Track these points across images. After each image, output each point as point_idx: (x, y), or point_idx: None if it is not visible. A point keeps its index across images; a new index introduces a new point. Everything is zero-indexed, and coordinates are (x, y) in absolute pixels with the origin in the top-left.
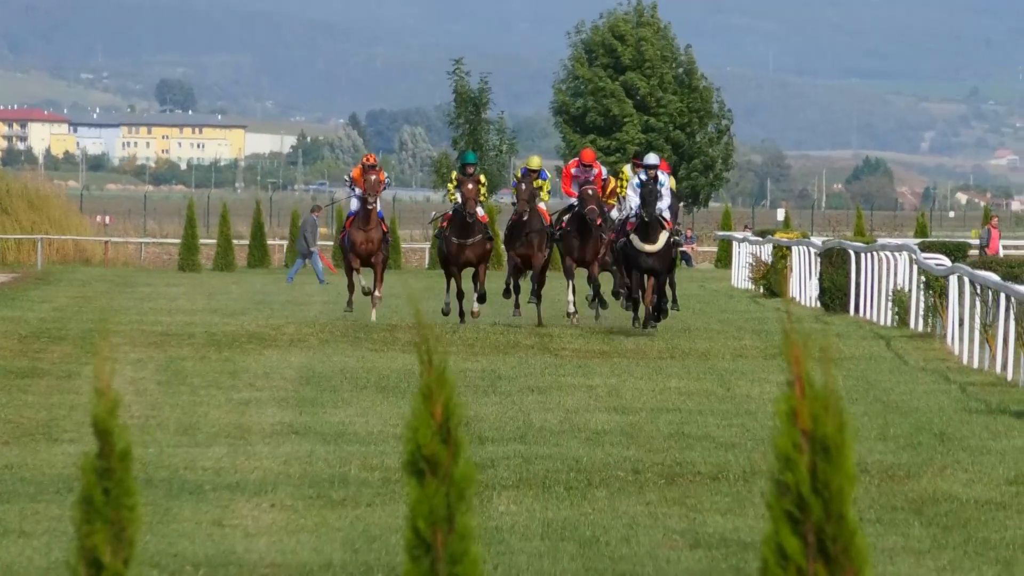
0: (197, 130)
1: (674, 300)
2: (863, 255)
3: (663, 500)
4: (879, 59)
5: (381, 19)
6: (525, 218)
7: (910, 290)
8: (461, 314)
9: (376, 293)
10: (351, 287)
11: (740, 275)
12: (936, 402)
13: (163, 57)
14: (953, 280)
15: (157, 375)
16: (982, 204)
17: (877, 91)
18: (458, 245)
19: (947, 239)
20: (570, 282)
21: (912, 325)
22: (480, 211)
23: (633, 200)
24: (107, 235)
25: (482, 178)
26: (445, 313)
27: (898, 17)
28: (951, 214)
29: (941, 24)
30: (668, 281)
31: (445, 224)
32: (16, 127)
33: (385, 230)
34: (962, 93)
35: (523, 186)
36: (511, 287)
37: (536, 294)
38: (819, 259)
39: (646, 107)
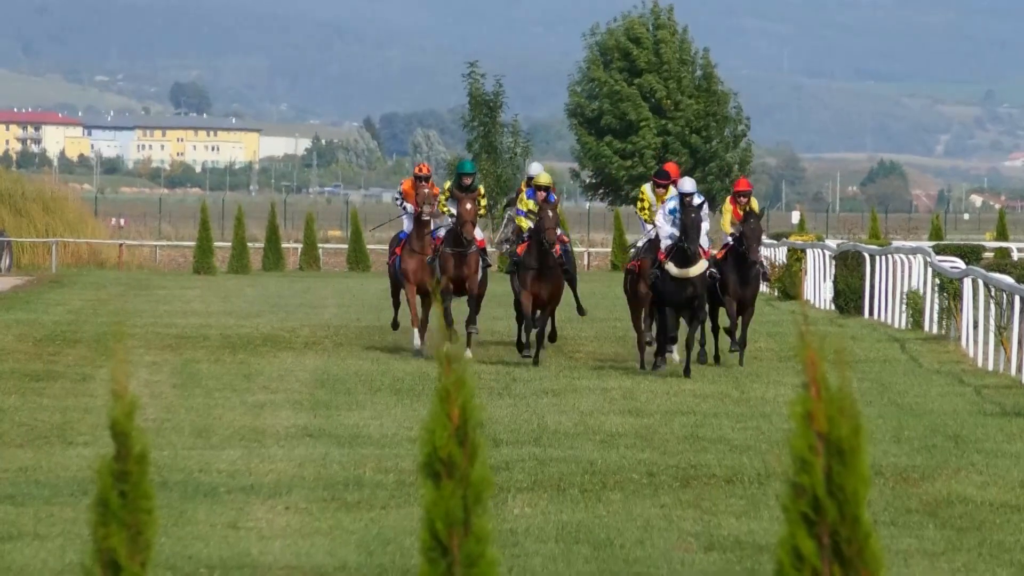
0: (211, 133)
1: (741, 340)
2: (878, 258)
3: (678, 503)
4: (893, 61)
5: (395, 22)
6: (552, 249)
7: (925, 293)
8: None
9: (417, 336)
10: (397, 306)
11: None
12: (950, 405)
13: (177, 60)
14: (968, 283)
15: (172, 378)
16: (997, 207)
17: (891, 94)
18: (455, 255)
19: (962, 242)
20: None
21: (927, 328)
22: (479, 234)
23: (665, 229)
24: (122, 238)
25: (481, 189)
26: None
27: (912, 19)
28: (966, 217)
29: (955, 26)
30: (743, 321)
31: (439, 243)
32: (30, 130)
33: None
34: (977, 96)
35: (549, 213)
36: (525, 334)
37: (551, 335)
38: (834, 262)
39: (662, 111)
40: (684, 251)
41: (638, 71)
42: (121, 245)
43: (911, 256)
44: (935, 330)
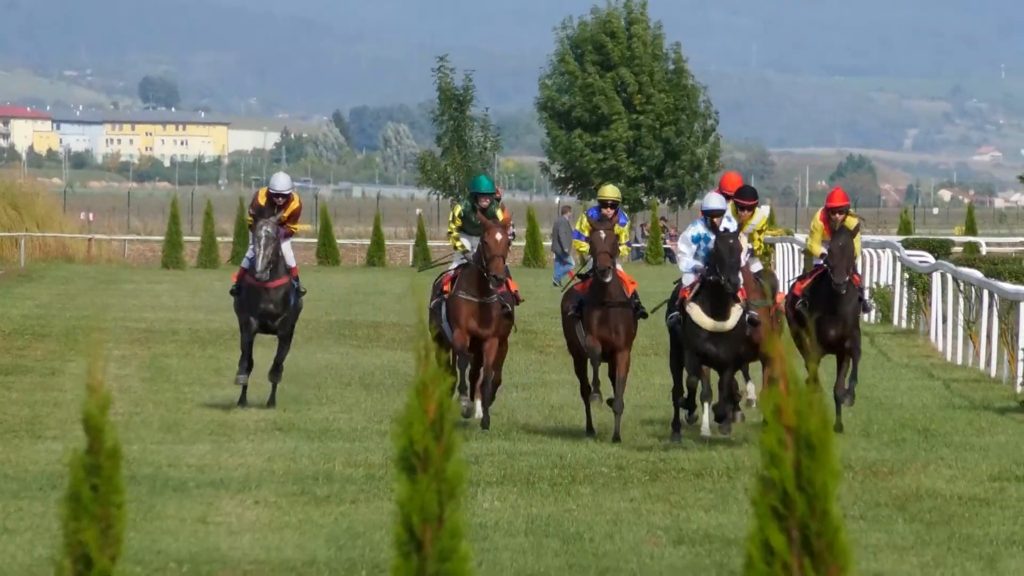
0: (180, 127)
1: (849, 391)
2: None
3: (647, 496)
4: (862, 57)
5: (364, 16)
6: (607, 279)
7: (893, 287)
8: (484, 409)
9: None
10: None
11: None
12: (919, 399)
13: (146, 55)
14: (936, 277)
15: (141, 372)
16: (966, 201)
17: (860, 89)
18: (478, 305)
19: (930, 236)
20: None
21: (895, 322)
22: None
23: (685, 261)
24: (91, 232)
25: (500, 215)
26: (466, 415)
27: (880, 15)
28: (935, 211)
29: (923, 22)
30: (851, 366)
31: (447, 287)
32: None
33: (515, 290)
34: (945, 91)
35: (601, 234)
36: (592, 384)
37: (618, 400)
38: (803, 256)
39: (632, 104)
40: (716, 294)
41: (611, 65)
42: (90, 239)
43: (880, 250)
44: (904, 324)
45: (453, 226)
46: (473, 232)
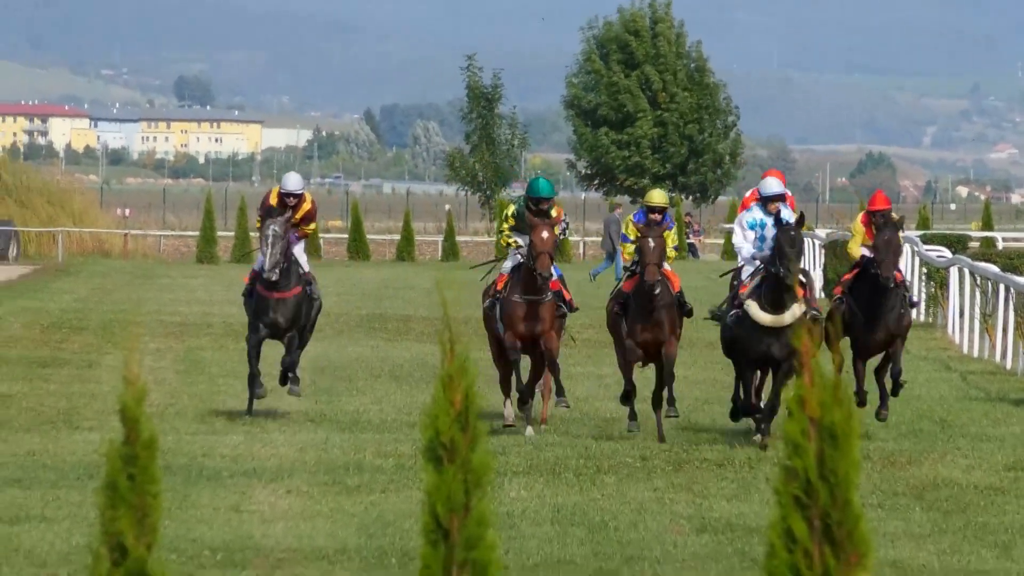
0: (215, 125)
1: (895, 387)
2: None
3: (670, 486)
4: (882, 56)
5: (394, 15)
6: (656, 292)
7: (912, 281)
8: (529, 419)
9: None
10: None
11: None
12: (937, 390)
13: (181, 54)
14: (954, 271)
15: (176, 364)
16: (982, 198)
17: (880, 87)
18: (526, 305)
19: (948, 231)
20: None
21: (914, 315)
22: (555, 271)
23: (744, 250)
24: (127, 228)
25: (554, 214)
26: (509, 424)
27: (899, 14)
28: (952, 207)
29: (942, 21)
30: (893, 367)
31: (500, 287)
32: (37, 122)
33: (568, 299)
34: (963, 89)
35: (650, 242)
36: (631, 388)
37: (670, 400)
38: (823, 251)
39: (657, 102)
40: (776, 288)
41: (636, 63)
42: (126, 235)
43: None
44: (922, 318)
45: (505, 225)
46: (525, 231)
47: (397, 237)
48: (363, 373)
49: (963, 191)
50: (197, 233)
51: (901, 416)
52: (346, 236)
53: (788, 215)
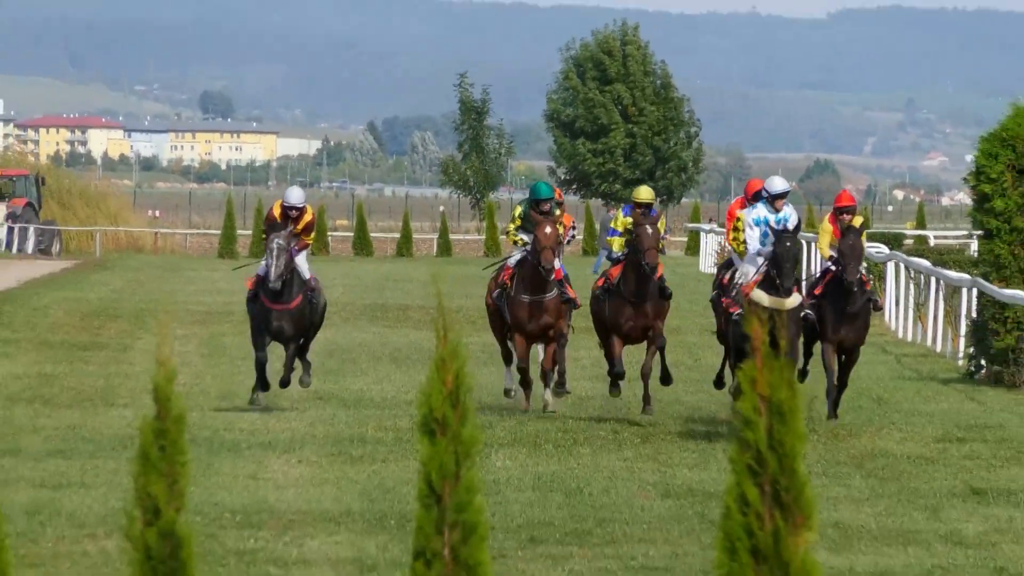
0: (235, 135)
1: (833, 405)
2: (812, 244)
3: (638, 456)
4: (828, 74)
5: (395, 36)
6: (655, 275)
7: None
8: (526, 388)
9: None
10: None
11: (707, 262)
12: (874, 371)
13: (205, 71)
14: (891, 265)
15: (200, 348)
16: (916, 200)
17: (826, 102)
18: (530, 304)
19: (886, 230)
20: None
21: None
22: (557, 264)
23: (752, 244)
24: (157, 227)
25: (566, 220)
26: (509, 394)
27: (845, 36)
28: (889, 208)
29: (882, 42)
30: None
31: (507, 279)
32: (77, 133)
33: (573, 296)
34: (899, 103)
35: (648, 229)
36: (618, 371)
37: (665, 378)
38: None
39: (628, 116)
40: (775, 286)
41: (608, 80)
42: (156, 233)
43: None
44: None
45: (512, 226)
46: (532, 231)
47: (397, 235)
48: (366, 356)
49: (899, 194)
50: (219, 231)
51: (843, 394)
52: (351, 234)
53: (789, 214)
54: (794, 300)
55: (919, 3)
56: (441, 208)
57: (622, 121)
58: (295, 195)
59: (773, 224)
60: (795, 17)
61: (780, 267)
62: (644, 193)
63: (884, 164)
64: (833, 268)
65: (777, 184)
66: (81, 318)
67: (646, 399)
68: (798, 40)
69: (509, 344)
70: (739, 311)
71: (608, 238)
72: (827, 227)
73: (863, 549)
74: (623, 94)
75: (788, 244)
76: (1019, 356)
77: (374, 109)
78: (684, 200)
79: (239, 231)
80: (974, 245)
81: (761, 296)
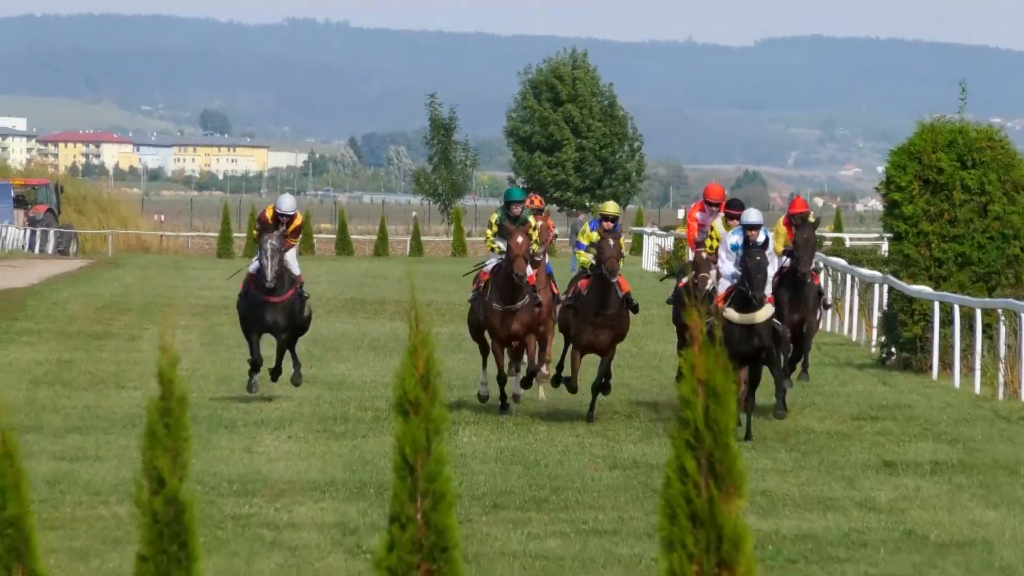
0: (231, 149)
1: (804, 369)
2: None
3: (589, 433)
4: (757, 95)
5: (372, 62)
6: (614, 280)
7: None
8: (504, 399)
9: (543, 370)
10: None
11: (649, 261)
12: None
13: (205, 93)
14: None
15: (201, 337)
16: (834, 206)
17: (755, 119)
18: (502, 313)
19: None
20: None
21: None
22: (530, 270)
23: (726, 267)
24: (162, 230)
25: (532, 221)
26: (483, 399)
27: (771, 62)
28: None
29: (803, 67)
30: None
31: (482, 285)
32: (92, 147)
33: (556, 292)
34: (819, 121)
35: (610, 241)
36: (572, 387)
37: (604, 387)
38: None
39: (578, 132)
40: (747, 297)
41: (561, 101)
42: (161, 236)
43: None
44: None
45: (490, 232)
46: (507, 237)
47: (375, 237)
48: (347, 344)
49: (819, 201)
50: (217, 234)
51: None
52: (334, 236)
53: (762, 236)
54: (765, 312)
55: (836, 33)
56: (414, 213)
57: (573, 137)
58: (287, 203)
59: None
60: (726, 45)
61: (752, 279)
62: (610, 207)
63: (805, 175)
64: (787, 262)
65: (752, 216)
66: (95, 311)
67: (590, 413)
68: (729, 65)
69: (485, 344)
70: (711, 319)
71: (576, 250)
72: (781, 229)
73: (787, 515)
74: (574, 113)
75: (758, 258)
76: (925, 344)
77: (354, 126)
78: (629, 207)
79: (235, 234)
80: (885, 246)
81: (732, 314)
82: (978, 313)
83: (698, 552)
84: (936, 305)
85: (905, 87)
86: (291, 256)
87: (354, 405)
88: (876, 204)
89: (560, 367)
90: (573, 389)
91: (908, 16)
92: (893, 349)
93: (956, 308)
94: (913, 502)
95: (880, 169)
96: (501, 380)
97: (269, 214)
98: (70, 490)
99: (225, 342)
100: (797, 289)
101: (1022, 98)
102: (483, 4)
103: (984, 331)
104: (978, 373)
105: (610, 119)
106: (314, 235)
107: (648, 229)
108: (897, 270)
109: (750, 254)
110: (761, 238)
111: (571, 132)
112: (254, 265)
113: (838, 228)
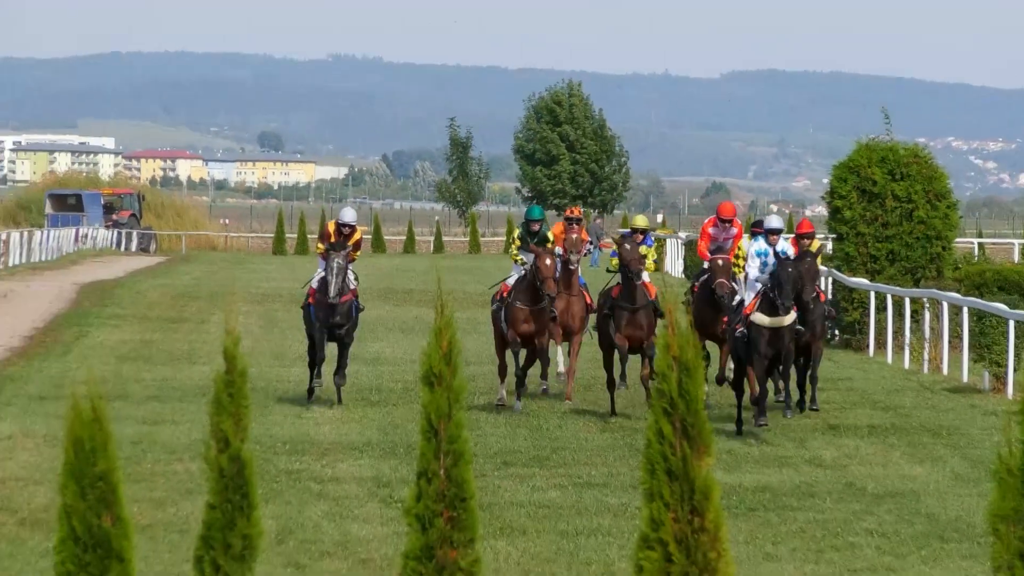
0: (284, 164)
1: (813, 398)
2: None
3: (584, 402)
4: (721, 118)
5: (402, 91)
6: (639, 281)
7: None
8: (514, 398)
9: (561, 368)
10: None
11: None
12: None
13: (263, 117)
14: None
15: (258, 321)
16: (787, 212)
17: (721, 139)
18: (529, 312)
19: None
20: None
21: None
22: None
23: (752, 272)
24: (226, 231)
25: (550, 236)
26: (499, 407)
27: (734, 91)
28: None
29: (761, 95)
30: (812, 375)
31: (505, 294)
32: (168, 162)
33: (589, 302)
34: (774, 141)
35: (628, 246)
36: (621, 375)
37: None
38: (683, 247)
39: (573, 148)
40: (774, 302)
41: (559, 123)
42: (226, 236)
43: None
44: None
45: (514, 247)
46: (528, 249)
47: (403, 237)
48: (381, 327)
49: (775, 207)
50: (272, 235)
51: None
52: (370, 236)
53: (785, 248)
54: (790, 317)
55: (788, 67)
56: (436, 218)
57: (568, 153)
58: (349, 215)
59: (772, 255)
60: (697, 76)
61: (781, 288)
62: (639, 220)
63: (763, 185)
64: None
65: (774, 221)
66: (171, 299)
67: (649, 401)
68: (699, 93)
69: (505, 352)
70: (741, 329)
71: (610, 258)
72: (791, 250)
73: (748, 470)
74: (569, 133)
75: (790, 269)
76: (863, 327)
77: (386, 144)
78: (616, 211)
79: (287, 234)
80: (829, 245)
81: (761, 318)
82: (907, 301)
83: (674, 502)
84: (872, 295)
85: (845, 112)
86: (349, 271)
87: (387, 378)
88: (822, 210)
89: (611, 381)
90: (615, 384)
91: (847, 53)
92: (836, 332)
93: (889, 297)
94: (853, 459)
95: (825, 181)
96: (517, 384)
97: (332, 227)
98: (150, 449)
99: (279, 325)
100: (802, 314)
101: (942, 121)
102: (495, 42)
103: (912, 316)
104: (907, 351)
105: (600, 138)
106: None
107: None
108: (840, 265)
109: (782, 264)
110: (782, 244)
111: (567, 149)
112: (317, 279)
113: (790, 231)
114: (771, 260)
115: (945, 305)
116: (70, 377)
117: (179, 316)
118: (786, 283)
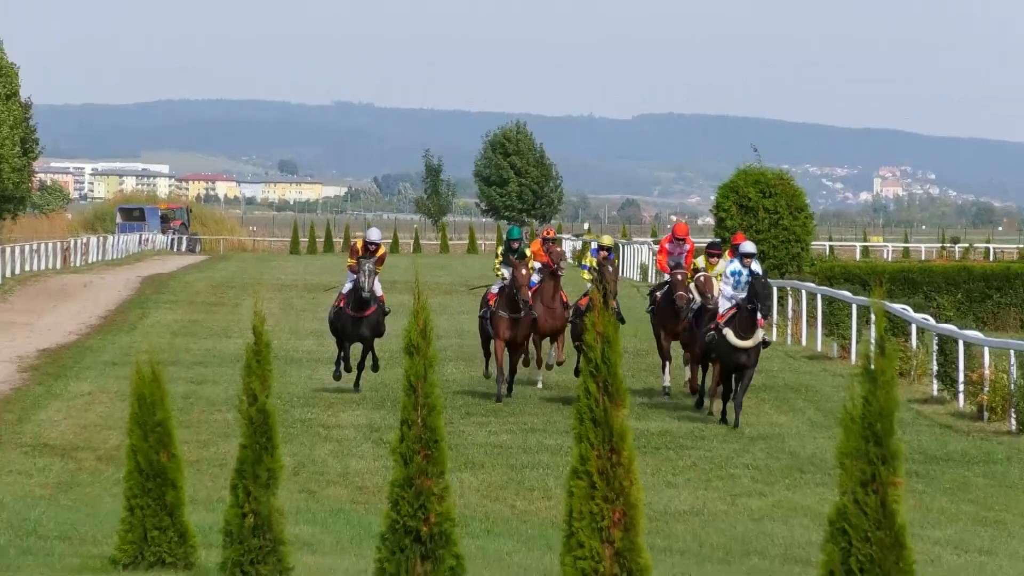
0: (298, 185)
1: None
2: (624, 247)
3: (532, 370)
4: (635, 151)
5: (388, 129)
6: (614, 304)
7: (649, 268)
8: (499, 393)
9: (560, 357)
10: (500, 374)
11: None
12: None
13: (280, 148)
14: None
15: (278, 306)
16: (685, 218)
17: (633, 167)
18: (508, 320)
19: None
20: (666, 363)
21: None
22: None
23: (727, 290)
24: (254, 236)
25: (528, 252)
26: (487, 375)
27: (644, 129)
28: (668, 227)
29: (665, 132)
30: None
31: (492, 302)
32: (210, 184)
33: (565, 300)
34: (673, 167)
35: (609, 268)
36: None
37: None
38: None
39: (520, 173)
40: (746, 320)
41: (508, 154)
42: (254, 240)
43: (643, 246)
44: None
45: (496, 262)
46: (509, 264)
47: (389, 241)
48: None
49: (674, 218)
50: (288, 239)
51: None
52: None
53: (757, 268)
54: (757, 337)
55: (686, 111)
56: (415, 226)
57: (515, 177)
58: (374, 234)
59: (745, 276)
60: (614, 118)
61: (759, 297)
62: (606, 240)
63: (665, 201)
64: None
65: (748, 247)
66: (212, 287)
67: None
68: (616, 131)
69: (490, 348)
70: (711, 332)
71: (580, 270)
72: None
73: (654, 419)
74: (517, 162)
75: (764, 281)
76: None
77: (377, 170)
78: (553, 221)
79: (300, 239)
80: None
81: (731, 336)
82: (775, 290)
83: (597, 442)
84: None
85: (729, 145)
86: (375, 280)
87: (376, 349)
88: (710, 220)
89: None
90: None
91: (730, 99)
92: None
93: None
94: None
95: (712, 198)
96: (499, 379)
97: (360, 245)
98: (196, 403)
99: (295, 308)
100: (747, 326)
101: (801, 152)
102: (461, 91)
103: (778, 302)
104: (775, 328)
105: (541, 166)
106: (351, 239)
107: (565, 235)
108: None
109: (756, 278)
110: (755, 265)
111: (515, 174)
112: (348, 286)
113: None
114: (743, 280)
115: (804, 292)
116: (135, 347)
117: (218, 301)
118: (762, 293)
